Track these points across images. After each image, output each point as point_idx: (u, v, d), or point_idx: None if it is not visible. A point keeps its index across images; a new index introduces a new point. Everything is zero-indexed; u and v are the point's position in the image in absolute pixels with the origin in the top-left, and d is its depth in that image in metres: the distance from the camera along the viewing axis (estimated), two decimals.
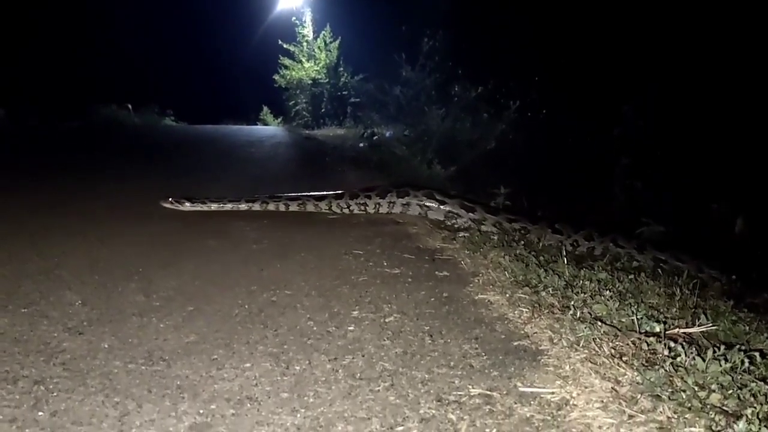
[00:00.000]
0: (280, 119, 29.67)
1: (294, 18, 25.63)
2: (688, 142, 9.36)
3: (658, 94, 10.02)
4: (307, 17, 25.55)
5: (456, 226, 5.36)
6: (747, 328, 3.09)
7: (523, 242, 4.54)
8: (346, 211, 5.69)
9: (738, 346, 2.42)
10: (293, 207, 5.67)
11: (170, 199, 5.39)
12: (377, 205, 5.72)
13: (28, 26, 24.74)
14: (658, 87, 10.09)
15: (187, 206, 5.40)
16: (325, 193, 5.83)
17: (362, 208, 5.71)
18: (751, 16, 9.37)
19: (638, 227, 6.58)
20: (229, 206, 5.56)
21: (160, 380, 2.11)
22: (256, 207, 5.59)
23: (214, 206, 5.51)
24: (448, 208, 5.58)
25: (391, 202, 5.71)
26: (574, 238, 5.36)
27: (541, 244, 4.85)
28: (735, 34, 9.69)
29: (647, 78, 10.52)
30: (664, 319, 2.88)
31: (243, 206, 5.58)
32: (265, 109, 31.06)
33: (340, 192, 5.84)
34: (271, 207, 5.62)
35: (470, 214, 5.50)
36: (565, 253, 3.92)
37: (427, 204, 5.64)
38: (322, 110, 24.94)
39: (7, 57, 22.59)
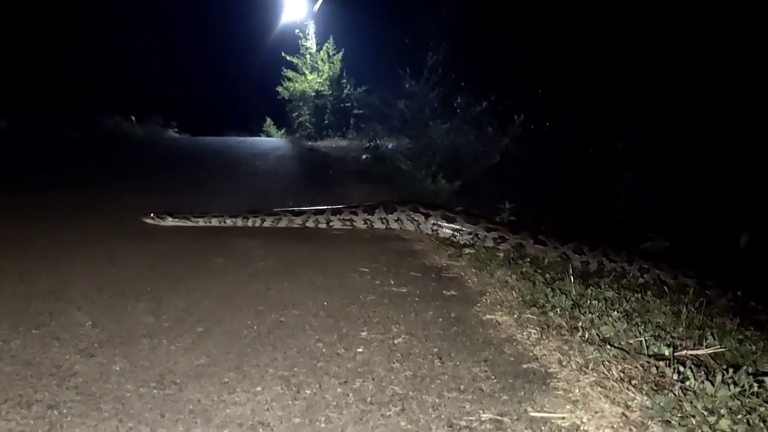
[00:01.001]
0: (283, 131, 29.78)
1: (297, 30, 25.72)
2: (692, 155, 9.37)
3: (661, 102, 10.04)
4: (311, 30, 25.64)
5: (462, 242, 5.39)
6: (754, 347, 3.09)
7: (528, 259, 4.55)
8: (323, 226, 5.72)
9: (745, 368, 2.43)
10: (268, 223, 5.68)
11: (151, 215, 5.42)
12: (366, 221, 5.75)
13: (33, 38, 24.89)
14: (660, 95, 10.11)
15: (169, 221, 5.43)
16: (305, 208, 5.88)
17: (348, 223, 5.73)
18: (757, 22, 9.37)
19: (643, 241, 6.58)
20: (214, 221, 5.56)
21: (173, 404, 2.13)
22: (239, 222, 5.61)
23: (201, 221, 5.51)
24: (432, 221, 5.64)
25: (382, 218, 5.75)
26: (562, 250, 5.38)
27: (546, 261, 4.86)
28: (741, 41, 9.70)
29: (649, 86, 10.54)
30: (671, 340, 2.89)
31: (228, 221, 5.58)
32: (269, 120, 31.23)
33: (321, 208, 5.87)
34: (250, 223, 5.63)
35: (451, 224, 5.58)
36: (571, 271, 3.92)
37: (415, 217, 5.69)
38: (325, 122, 25.00)
39: (10, 68, 22.72)
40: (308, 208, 5.89)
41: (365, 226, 5.76)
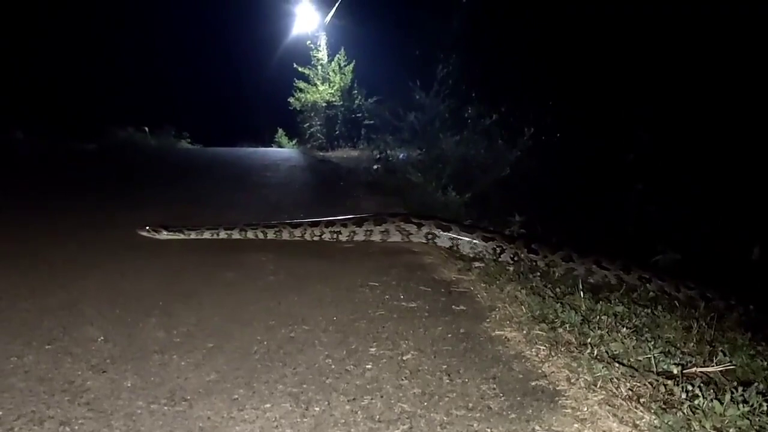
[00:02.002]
0: (294, 141, 29.94)
1: (309, 42, 25.92)
2: (704, 167, 9.34)
3: (671, 113, 10.02)
4: (322, 41, 25.82)
5: (471, 255, 5.40)
6: (765, 363, 3.08)
7: (539, 273, 4.55)
8: (317, 238, 5.73)
9: (756, 385, 2.43)
10: (270, 235, 5.69)
11: (147, 228, 5.45)
12: (352, 234, 5.76)
13: (47, 49, 25.19)
14: (671, 106, 10.09)
15: (164, 235, 5.45)
16: (300, 221, 5.88)
17: (334, 236, 5.75)
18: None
19: (654, 254, 6.56)
20: (207, 234, 5.57)
21: (183, 422, 2.15)
22: (236, 235, 5.62)
23: (193, 234, 5.53)
24: (426, 230, 5.66)
25: (368, 230, 5.76)
26: (551, 258, 5.38)
27: (556, 275, 4.86)
28: (752, 52, 9.68)
29: (661, 97, 10.53)
30: (681, 356, 2.89)
31: (222, 234, 5.60)
32: (280, 131, 31.41)
33: (315, 220, 5.88)
34: (250, 235, 5.65)
35: (446, 233, 5.64)
36: (581, 287, 3.92)
37: (406, 228, 5.71)
38: (336, 132, 25.10)
39: (25, 80, 23.01)
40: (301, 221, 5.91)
41: (362, 238, 5.78)
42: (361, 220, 5.81)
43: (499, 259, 5.36)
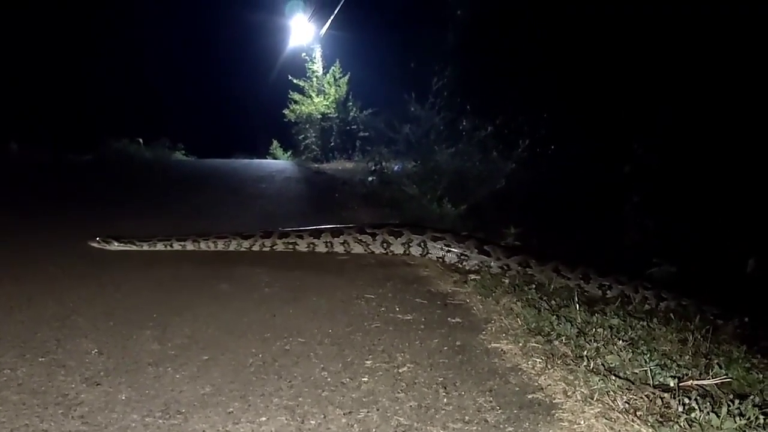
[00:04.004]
0: (289, 153, 29.94)
1: (304, 54, 26.02)
2: (700, 179, 9.37)
3: (669, 125, 10.06)
4: (317, 53, 25.93)
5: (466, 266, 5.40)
6: (761, 376, 3.08)
7: (534, 286, 4.55)
8: (267, 249, 5.69)
9: (752, 398, 2.43)
10: (220, 246, 5.63)
11: (97, 239, 5.38)
12: (311, 245, 5.74)
13: (42, 62, 25.20)
14: (669, 118, 10.13)
15: (115, 246, 5.39)
16: (254, 232, 5.83)
17: (290, 246, 5.73)
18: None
19: (649, 266, 6.57)
20: (160, 246, 5.52)
21: None
22: (189, 246, 5.57)
23: (145, 246, 5.47)
24: (381, 238, 5.69)
25: (327, 242, 5.75)
26: (504, 262, 5.38)
27: (552, 287, 4.86)
28: (749, 65, 9.73)
29: (660, 109, 10.56)
30: (677, 368, 2.88)
31: (176, 245, 5.53)
32: (275, 143, 31.42)
33: (269, 231, 5.85)
34: (203, 246, 5.59)
35: (398, 239, 5.71)
36: (577, 299, 3.92)
37: (361, 238, 5.72)
38: (331, 144, 25.16)
39: (20, 91, 22.99)
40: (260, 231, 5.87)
41: (306, 250, 5.76)
42: (318, 232, 5.80)
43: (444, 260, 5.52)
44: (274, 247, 5.70)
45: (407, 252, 5.66)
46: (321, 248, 5.74)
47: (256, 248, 5.68)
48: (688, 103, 10.24)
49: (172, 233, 5.72)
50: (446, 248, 5.55)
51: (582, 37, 12.24)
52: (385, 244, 5.69)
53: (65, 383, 2.54)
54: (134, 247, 5.44)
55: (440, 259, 5.56)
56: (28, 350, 2.89)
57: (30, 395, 2.41)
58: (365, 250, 5.72)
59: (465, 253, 5.47)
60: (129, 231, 5.76)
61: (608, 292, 5.21)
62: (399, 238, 5.67)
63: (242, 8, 33.65)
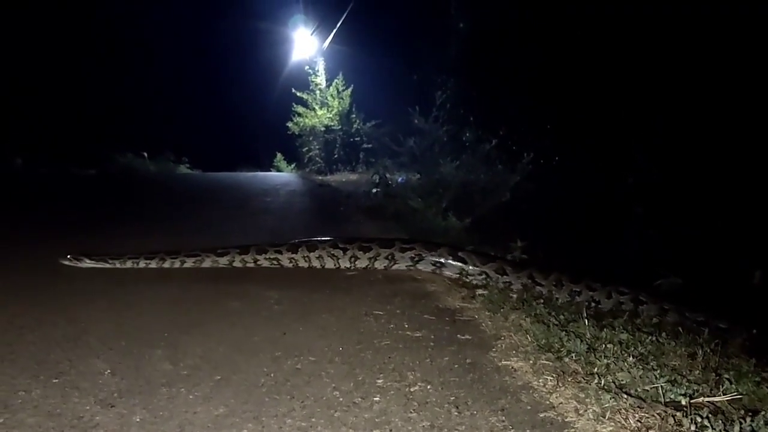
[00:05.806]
0: (293, 165, 30.08)
1: (307, 67, 26.16)
2: (704, 190, 9.37)
3: (670, 136, 10.07)
4: (320, 66, 26.06)
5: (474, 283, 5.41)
6: None
7: (542, 300, 4.56)
8: (251, 265, 5.69)
9: (763, 414, 2.43)
10: (188, 263, 5.58)
11: (69, 256, 5.34)
12: (291, 260, 5.74)
13: (46, 77, 25.34)
14: (669, 128, 10.14)
15: (87, 263, 5.34)
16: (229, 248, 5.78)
17: (274, 262, 5.73)
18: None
19: (654, 278, 6.57)
20: (129, 263, 5.44)
21: None
22: (156, 264, 5.50)
23: (117, 263, 5.41)
24: (351, 253, 5.72)
25: (305, 257, 5.74)
26: (482, 269, 5.41)
27: (560, 301, 4.87)
28: (750, 73, 9.75)
29: (657, 118, 10.58)
30: (687, 384, 2.89)
31: (141, 264, 5.46)
32: (279, 155, 31.56)
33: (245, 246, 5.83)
34: (167, 265, 5.52)
35: (366, 254, 5.76)
36: (585, 314, 3.92)
37: (335, 253, 5.74)
38: (335, 156, 25.22)
39: (24, 106, 23.13)
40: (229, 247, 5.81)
41: (291, 264, 5.77)
42: (295, 246, 5.79)
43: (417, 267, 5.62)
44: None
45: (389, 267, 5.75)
46: (302, 263, 5.77)
47: (237, 264, 5.68)
48: (691, 112, 10.26)
49: (153, 251, 5.65)
50: (417, 257, 5.65)
51: (584, 48, 12.30)
52: (353, 258, 5.74)
53: (80, 405, 2.56)
54: (107, 265, 5.38)
55: (409, 268, 5.68)
56: (42, 371, 2.90)
57: (46, 418, 2.43)
58: (335, 265, 5.76)
59: (439, 260, 5.52)
60: (133, 249, 5.77)
61: (577, 297, 5.24)
62: (368, 252, 5.73)
63: (245, 21, 33.85)
